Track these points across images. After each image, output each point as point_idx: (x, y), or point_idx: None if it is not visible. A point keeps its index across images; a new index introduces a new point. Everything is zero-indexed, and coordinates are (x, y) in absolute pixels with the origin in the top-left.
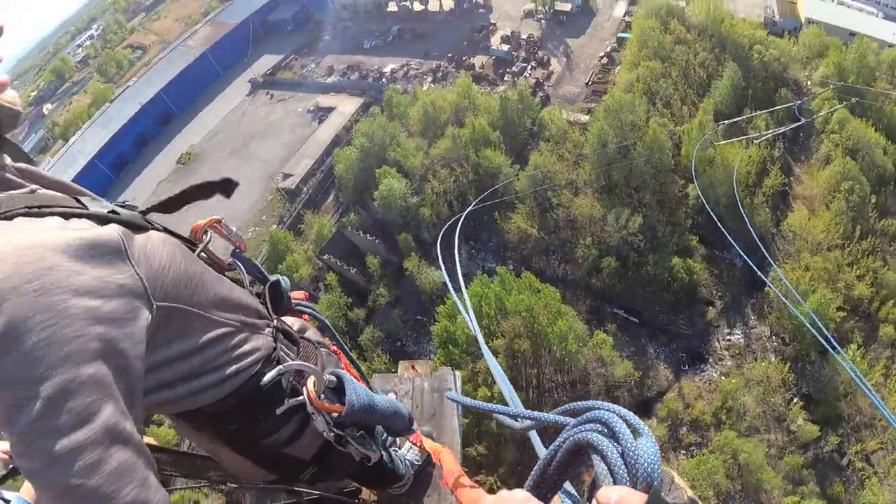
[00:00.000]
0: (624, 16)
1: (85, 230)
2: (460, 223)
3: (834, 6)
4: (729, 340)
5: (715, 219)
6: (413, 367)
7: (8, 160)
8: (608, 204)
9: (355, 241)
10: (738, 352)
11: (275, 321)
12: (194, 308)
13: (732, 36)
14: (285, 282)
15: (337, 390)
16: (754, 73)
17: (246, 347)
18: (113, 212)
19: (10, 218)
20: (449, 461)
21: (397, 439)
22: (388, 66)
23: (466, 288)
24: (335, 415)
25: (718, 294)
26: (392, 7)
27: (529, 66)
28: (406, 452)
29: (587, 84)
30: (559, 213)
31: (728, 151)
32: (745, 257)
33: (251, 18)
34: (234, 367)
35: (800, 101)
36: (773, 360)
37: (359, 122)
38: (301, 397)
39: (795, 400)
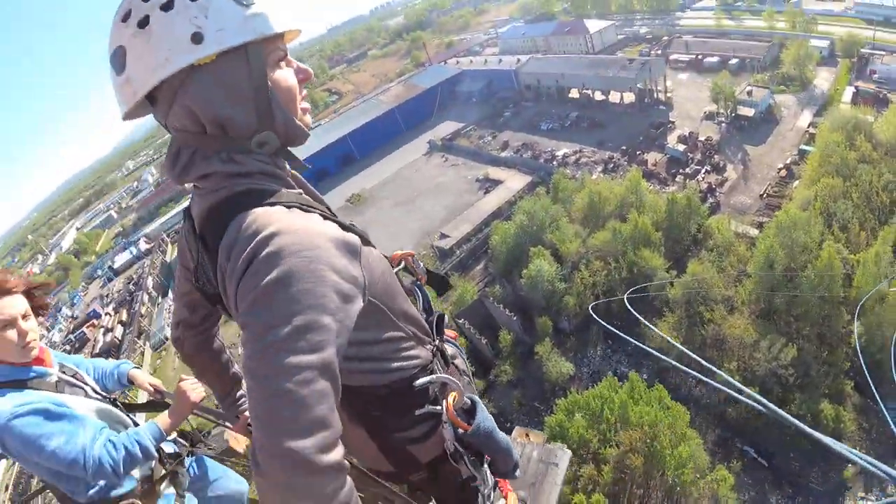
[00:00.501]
0: (808, 126)
1: (339, 231)
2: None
3: None
4: None
5: (863, 365)
6: (527, 435)
7: (288, 167)
8: (763, 329)
9: (493, 313)
10: None
11: (436, 341)
12: (388, 311)
13: None
14: (445, 317)
15: (468, 412)
16: None
17: (411, 353)
18: (352, 225)
19: (290, 208)
20: None
21: (493, 494)
22: (562, 150)
23: (592, 387)
24: (461, 431)
25: (863, 451)
26: (574, 94)
27: (703, 170)
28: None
29: (761, 196)
30: (709, 329)
31: None
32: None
33: (440, 86)
34: (397, 364)
35: None
36: None
37: (523, 199)
38: (439, 407)
39: None
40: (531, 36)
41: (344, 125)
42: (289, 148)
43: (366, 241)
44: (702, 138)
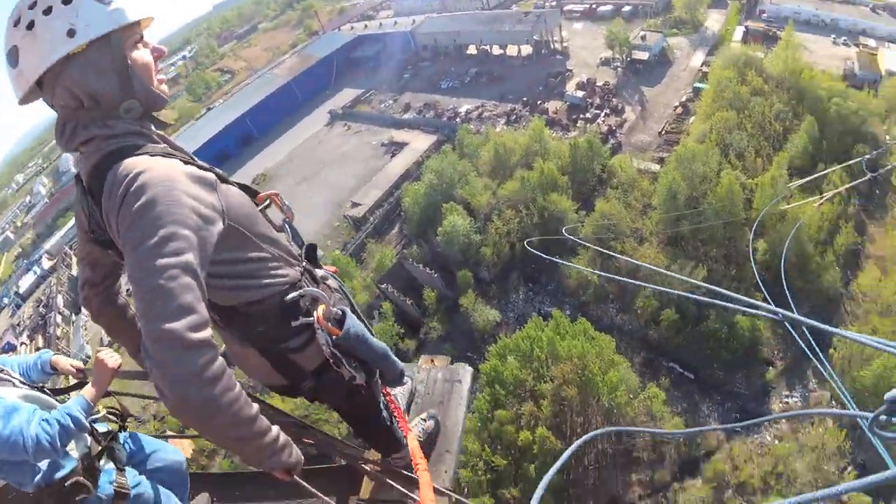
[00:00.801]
0: (701, 66)
1: (196, 169)
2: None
3: None
4: (786, 403)
5: (757, 277)
6: (432, 361)
7: (153, 128)
8: (673, 255)
9: (414, 274)
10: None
11: (304, 263)
12: (249, 234)
13: (810, 88)
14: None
15: (340, 321)
16: (831, 127)
17: (279, 272)
18: (211, 167)
19: (154, 156)
20: (414, 444)
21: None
22: (464, 107)
23: (520, 328)
24: (334, 337)
25: (780, 355)
26: (471, 50)
27: (603, 114)
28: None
29: (660, 133)
30: (621, 261)
31: (800, 207)
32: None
33: (336, 53)
34: (267, 281)
35: (868, 155)
36: (830, 425)
37: (430, 158)
38: (311, 318)
39: (850, 469)
40: None
41: (240, 104)
42: (153, 113)
43: (224, 180)
44: (599, 84)
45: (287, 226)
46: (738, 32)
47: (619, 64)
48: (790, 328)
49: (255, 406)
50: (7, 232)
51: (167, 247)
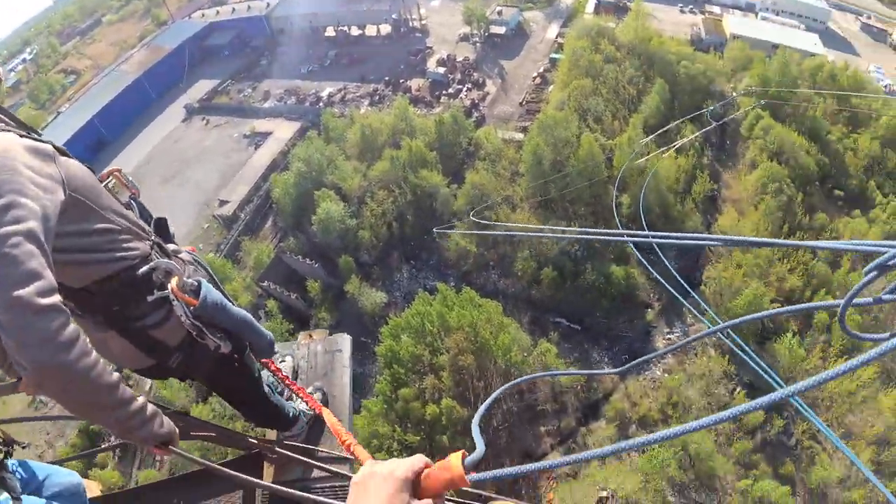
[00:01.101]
0: (556, 37)
1: (33, 142)
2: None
3: (757, 22)
4: (669, 339)
5: (644, 223)
6: (310, 335)
7: None
8: (545, 217)
9: (295, 267)
10: (678, 349)
11: (153, 237)
12: (93, 205)
13: (660, 53)
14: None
15: (196, 292)
16: (681, 88)
17: (129, 245)
18: (50, 141)
19: None
20: (332, 420)
21: (288, 393)
22: (326, 91)
23: (408, 306)
24: (192, 308)
25: (656, 297)
26: (330, 32)
27: (465, 88)
28: (297, 403)
29: (521, 104)
30: (497, 229)
31: (658, 161)
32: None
33: (187, 43)
34: (118, 254)
35: (712, 107)
36: (713, 354)
37: (296, 146)
38: (166, 290)
39: (738, 389)
40: None
41: (88, 107)
42: None
43: (63, 153)
44: (460, 59)
45: (133, 202)
46: (591, 5)
47: (477, 39)
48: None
49: (116, 374)
50: None
51: (7, 215)
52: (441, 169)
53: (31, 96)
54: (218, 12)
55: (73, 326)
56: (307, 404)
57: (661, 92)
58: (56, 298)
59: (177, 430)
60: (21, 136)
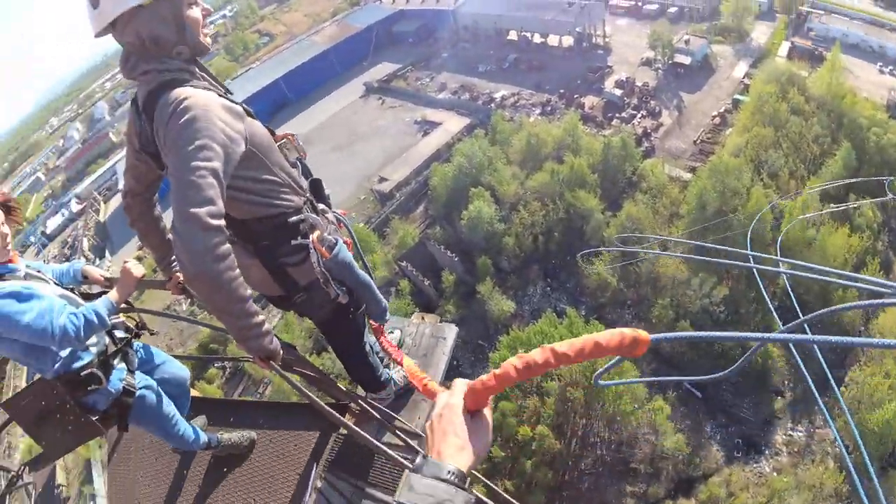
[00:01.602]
0: (743, 77)
1: (228, 102)
2: None
3: None
4: (790, 436)
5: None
6: (423, 317)
7: (196, 70)
8: (695, 268)
9: (435, 255)
10: (796, 449)
11: (308, 194)
12: (265, 159)
13: (852, 114)
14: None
15: (331, 248)
16: (868, 157)
17: (287, 196)
18: (242, 104)
19: (196, 88)
20: (410, 363)
21: (389, 363)
22: (500, 93)
23: (533, 324)
24: (324, 259)
25: (790, 385)
26: (512, 35)
27: (639, 115)
28: (393, 373)
29: (695, 142)
30: (643, 267)
31: (829, 237)
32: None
33: (376, 25)
34: (278, 202)
35: (892, 178)
36: (831, 465)
37: (461, 141)
38: (308, 240)
39: None
40: None
41: (277, 68)
42: (198, 58)
43: (250, 114)
44: (639, 83)
45: (300, 163)
46: (784, 48)
47: (660, 66)
48: (800, 363)
49: (248, 291)
50: (38, 173)
51: (201, 153)
52: (599, 193)
53: (228, 49)
54: (408, 1)
55: (227, 246)
56: (396, 361)
57: (847, 158)
58: (221, 222)
59: (281, 352)
60: (220, 95)
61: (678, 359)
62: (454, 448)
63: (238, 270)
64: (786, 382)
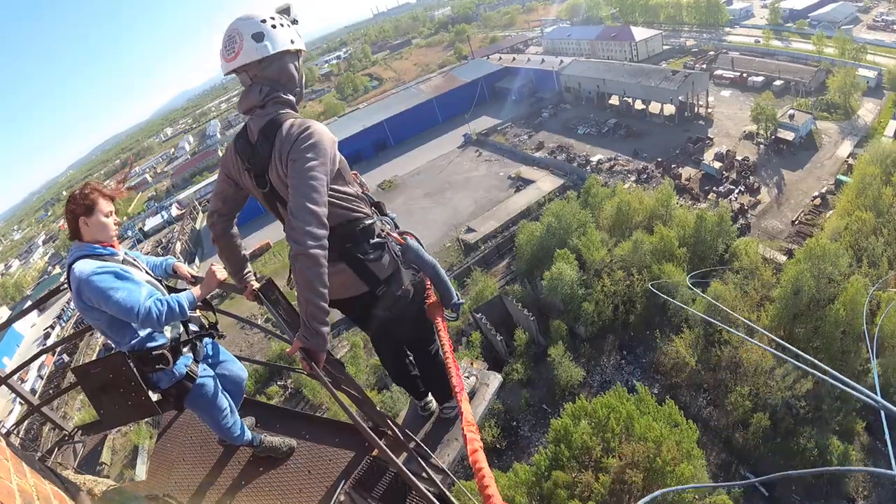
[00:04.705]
0: (847, 157)
1: (333, 136)
2: None
3: None
4: None
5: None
6: (472, 362)
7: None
8: (780, 357)
9: (511, 311)
10: None
11: (372, 206)
12: (345, 178)
13: None
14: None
15: (403, 237)
16: None
17: (362, 206)
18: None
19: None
20: (468, 407)
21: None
22: (596, 156)
23: (601, 395)
24: (400, 246)
25: (865, 493)
26: (614, 100)
27: (737, 190)
28: (468, 378)
29: (793, 222)
30: (725, 350)
31: None
32: None
33: (481, 80)
34: (355, 209)
35: None
36: None
37: (553, 201)
38: (384, 238)
39: None
40: (576, 38)
41: (381, 111)
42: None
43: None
44: (739, 157)
45: (360, 187)
46: (892, 127)
47: (762, 140)
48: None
49: (328, 287)
50: (147, 175)
51: (319, 169)
52: (688, 268)
53: (338, 88)
54: (514, 59)
55: (327, 242)
56: (455, 382)
57: None
58: (326, 218)
59: (324, 357)
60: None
61: (748, 451)
62: None
63: (326, 266)
64: (861, 490)
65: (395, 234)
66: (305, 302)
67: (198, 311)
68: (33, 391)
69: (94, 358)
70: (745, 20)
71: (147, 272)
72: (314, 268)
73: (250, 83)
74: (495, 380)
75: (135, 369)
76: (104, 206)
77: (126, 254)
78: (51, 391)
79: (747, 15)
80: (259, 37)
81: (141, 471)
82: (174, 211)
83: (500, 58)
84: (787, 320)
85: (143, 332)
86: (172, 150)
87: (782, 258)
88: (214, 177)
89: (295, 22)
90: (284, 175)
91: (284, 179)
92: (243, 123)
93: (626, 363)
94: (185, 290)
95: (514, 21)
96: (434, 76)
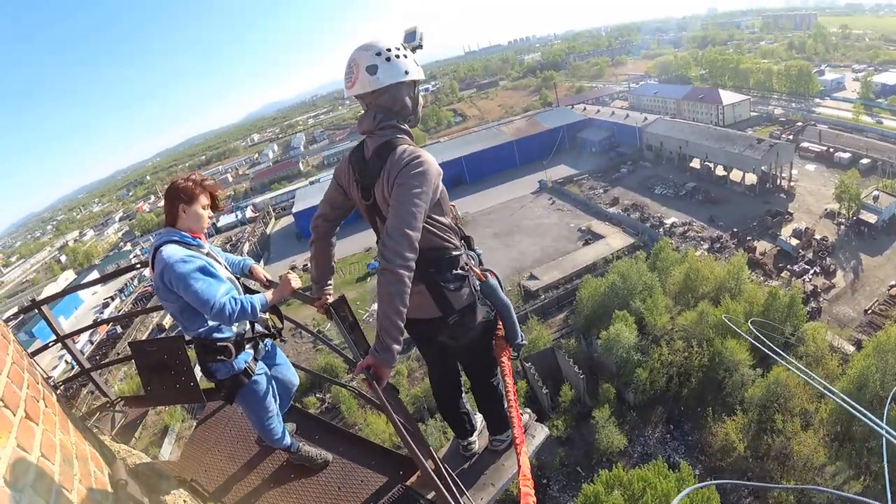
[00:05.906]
0: None
1: (438, 168)
2: None
3: None
4: None
5: None
6: (519, 414)
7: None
8: (834, 455)
9: (561, 366)
10: None
11: (462, 240)
12: (443, 208)
13: None
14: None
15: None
16: None
17: (452, 237)
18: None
19: (420, 149)
20: (526, 458)
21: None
22: (671, 219)
23: (640, 466)
24: (480, 282)
25: None
26: (695, 163)
27: (812, 270)
28: (527, 419)
29: (866, 311)
30: (776, 439)
31: None
32: None
33: (563, 128)
34: (445, 238)
35: None
36: None
37: (621, 259)
38: (467, 270)
39: None
40: (663, 96)
41: (461, 147)
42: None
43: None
44: (817, 236)
45: (454, 223)
46: None
47: (843, 221)
48: None
49: (407, 307)
50: (228, 174)
51: (421, 197)
52: (750, 347)
53: (422, 120)
54: (598, 111)
55: (414, 261)
56: (514, 422)
57: None
58: (417, 242)
59: (388, 375)
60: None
61: None
62: None
63: (409, 289)
64: None
65: (478, 270)
66: (383, 315)
67: (267, 313)
68: (82, 353)
69: (146, 335)
70: (836, 91)
71: (226, 268)
72: (397, 285)
73: (366, 108)
74: (542, 432)
75: (188, 356)
76: (204, 199)
77: (210, 247)
78: (97, 357)
79: (839, 86)
80: (373, 69)
81: (166, 451)
82: (248, 213)
83: (585, 108)
84: (847, 416)
85: (211, 323)
86: (256, 155)
87: (850, 348)
88: (291, 187)
89: (419, 47)
90: (388, 195)
91: (387, 198)
92: (357, 142)
93: (671, 438)
94: (258, 292)
95: (602, 73)
96: (517, 119)
